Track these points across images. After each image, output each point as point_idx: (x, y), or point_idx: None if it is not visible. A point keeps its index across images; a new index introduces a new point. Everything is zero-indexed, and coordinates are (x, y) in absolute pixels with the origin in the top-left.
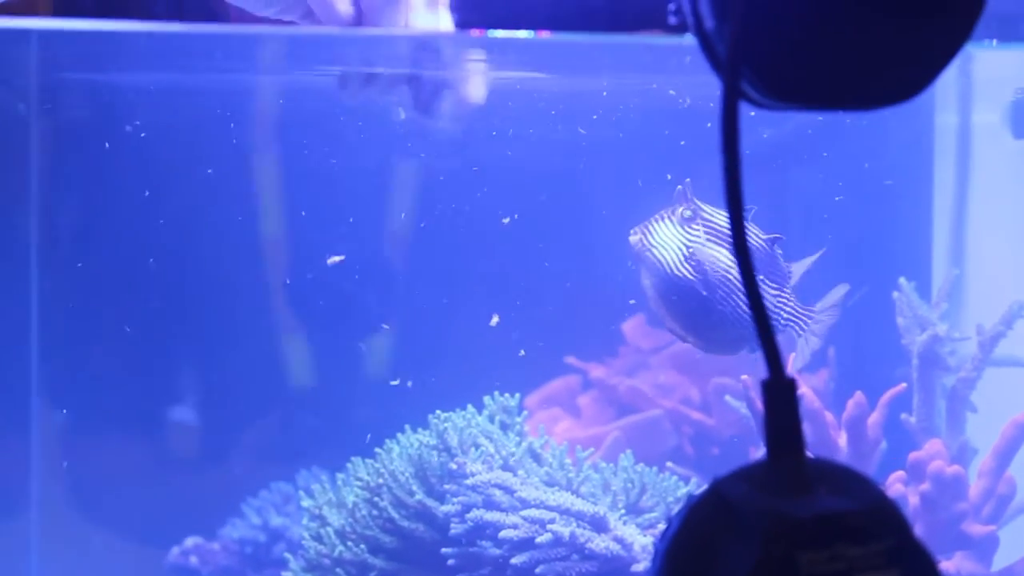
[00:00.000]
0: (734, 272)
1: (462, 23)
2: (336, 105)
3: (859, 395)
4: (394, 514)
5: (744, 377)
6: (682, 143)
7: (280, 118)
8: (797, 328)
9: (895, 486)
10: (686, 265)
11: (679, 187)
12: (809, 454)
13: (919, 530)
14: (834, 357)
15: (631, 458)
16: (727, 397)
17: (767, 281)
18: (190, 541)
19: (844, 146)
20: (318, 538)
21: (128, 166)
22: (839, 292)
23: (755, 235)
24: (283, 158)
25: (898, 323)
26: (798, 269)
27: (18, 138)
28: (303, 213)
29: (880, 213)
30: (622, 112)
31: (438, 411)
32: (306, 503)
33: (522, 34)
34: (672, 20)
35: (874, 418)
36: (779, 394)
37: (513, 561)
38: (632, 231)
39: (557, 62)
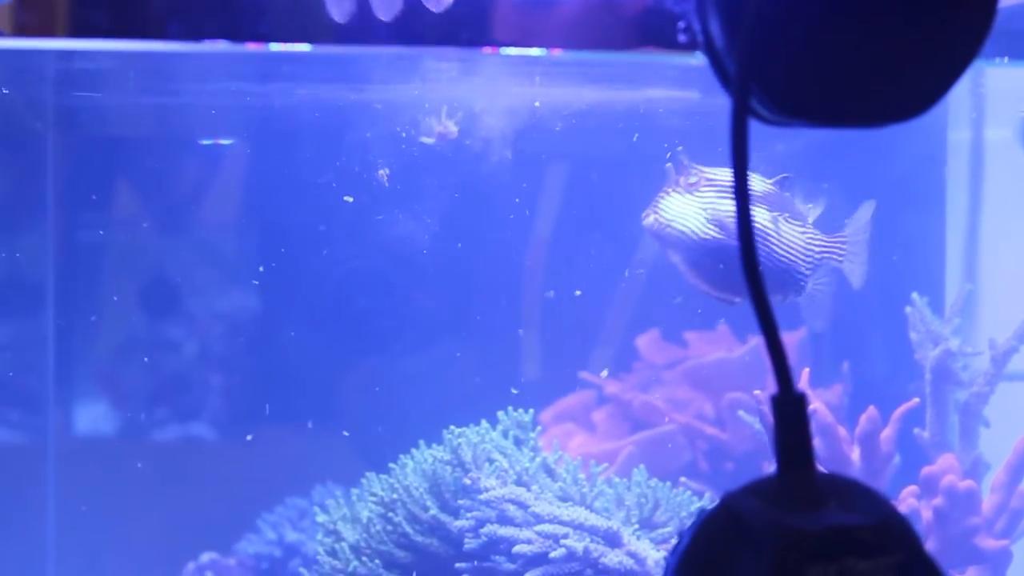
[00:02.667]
0: (757, 219)
1: (477, 41)
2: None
3: (872, 410)
4: (408, 529)
5: (757, 392)
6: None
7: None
8: (835, 256)
9: (908, 500)
10: (710, 226)
11: (668, 164)
12: (821, 468)
13: (932, 544)
14: (848, 372)
15: (645, 473)
16: (741, 412)
17: (791, 219)
18: (206, 556)
19: (857, 163)
20: (333, 553)
21: (140, 180)
22: (866, 212)
23: (763, 181)
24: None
25: (911, 338)
26: (811, 210)
27: (35, 154)
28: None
29: (893, 229)
30: (635, 127)
31: (452, 426)
32: (321, 518)
33: (535, 52)
34: (682, 38)
35: (887, 433)
36: (789, 409)
37: None
38: (644, 214)
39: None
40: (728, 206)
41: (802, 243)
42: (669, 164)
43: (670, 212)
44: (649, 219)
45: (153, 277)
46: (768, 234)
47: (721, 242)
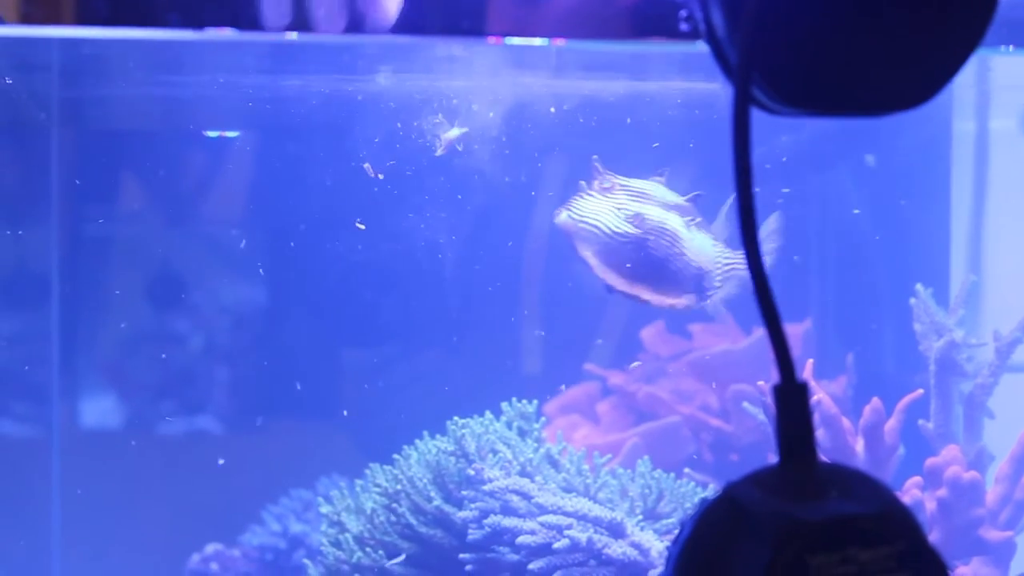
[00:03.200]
0: (667, 223)
1: (478, 30)
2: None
3: (876, 401)
4: (412, 520)
5: (761, 383)
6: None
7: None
8: (740, 268)
9: (912, 491)
10: (623, 223)
11: (582, 182)
12: (823, 459)
13: (936, 535)
14: (852, 363)
15: (649, 464)
16: (745, 403)
17: (703, 229)
18: (211, 547)
19: (861, 153)
20: (337, 544)
21: (145, 173)
22: (772, 223)
23: (676, 198)
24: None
25: (915, 329)
26: (720, 225)
27: (40, 146)
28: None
29: (898, 219)
30: (641, 119)
31: (456, 417)
32: (325, 509)
33: (537, 42)
34: (684, 27)
35: (891, 424)
36: (791, 399)
37: (531, 567)
38: (556, 212)
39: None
40: (640, 207)
41: (711, 252)
42: (583, 182)
43: (583, 211)
44: (562, 216)
45: (158, 270)
46: (681, 238)
47: (634, 238)
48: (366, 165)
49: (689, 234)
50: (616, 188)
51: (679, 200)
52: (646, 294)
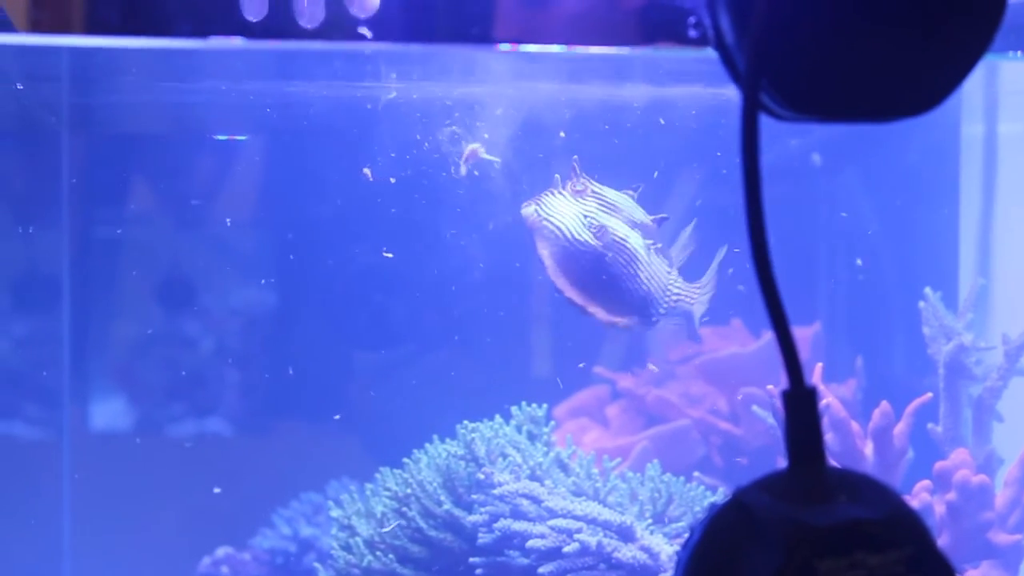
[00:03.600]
0: (630, 241)
1: (486, 38)
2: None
3: (885, 405)
4: (422, 524)
5: (771, 387)
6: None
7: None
8: (686, 301)
9: (921, 495)
10: (585, 232)
11: (557, 175)
12: (832, 463)
13: (945, 539)
14: (861, 367)
15: (658, 468)
16: (755, 407)
17: (660, 254)
18: (221, 551)
19: (870, 157)
20: (347, 548)
21: (155, 176)
22: (716, 259)
23: (643, 216)
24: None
25: (924, 333)
26: (677, 251)
27: (50, 150)
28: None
29: (906, 223)
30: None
31: (466, 421)
32: (335, 513)
33: (549, 48)
34: (692, 34)
35: (900, 428)
36: (800, 404)
37: (541, 571)
38: (524, 204)
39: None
40: (607, 219)
41: (664, 280)
42: (558, 175)
43: (551, 208)
44: (529, 209)
45: (168, 273)
46: (639, 259)
47: (592, 249)
48: (365, 170)
49: (647, 257)
50: (588, 193)
51: (645, 219)
52: (592, 306)
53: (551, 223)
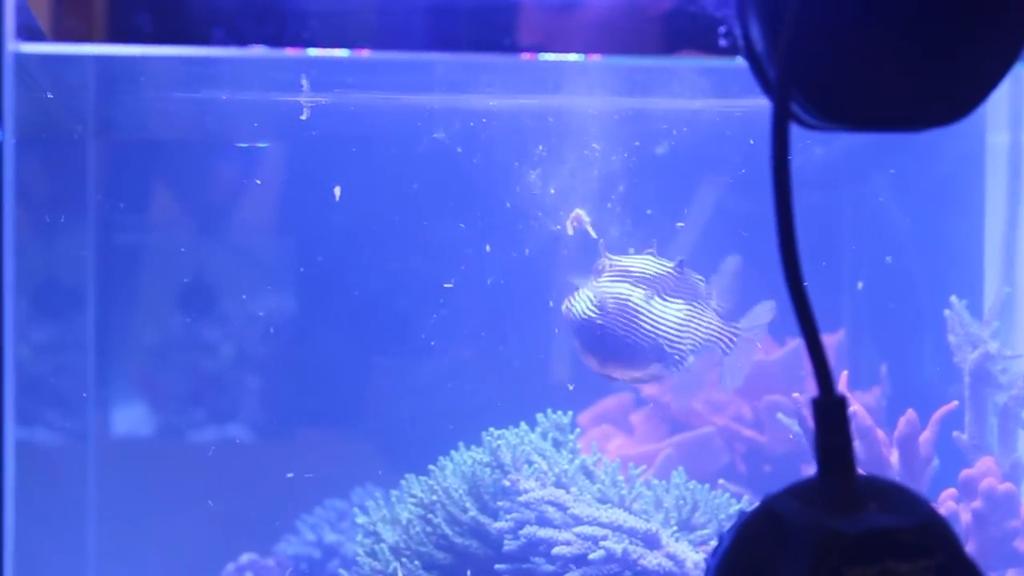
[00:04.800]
0: (629, 300)
1: (511, 46)
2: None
3: (911, 413)
4: (448, 531)
5: (796, 395)
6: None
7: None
8: (723, 345)
9: (947, 503)
10: (591, 309)
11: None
12: (860, 471)
13: (971, 547)
14: (886, 375)
15: (683, 475)
16: (779, 415)
17: (668, 297)
18: (245, 557)
19: (896, 166)
20: (372, 554)
21: (180, 183)
22: (764, 310)
23: (659, 264)
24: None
25: (950, 341)
26: (719, 284)
27: (75, 158)
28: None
29: (932, 232)
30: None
31: (491, 428)
32: (360, 520)
33: (572, 57)
34: (723, 43)
35: (926, 436)
36: (829, 411)
37: None
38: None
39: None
40: (613, 288)
41: (677, 321)
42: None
43: (574, 299)
44: (564, 307)
45: (192, 280)
46: (638, 311)
47: (591, 321)
48: (336, 189)
49: (648, 306)
50: (607, 270)
51: (662, 269)
52: (615, 372)
53: (571, 312)
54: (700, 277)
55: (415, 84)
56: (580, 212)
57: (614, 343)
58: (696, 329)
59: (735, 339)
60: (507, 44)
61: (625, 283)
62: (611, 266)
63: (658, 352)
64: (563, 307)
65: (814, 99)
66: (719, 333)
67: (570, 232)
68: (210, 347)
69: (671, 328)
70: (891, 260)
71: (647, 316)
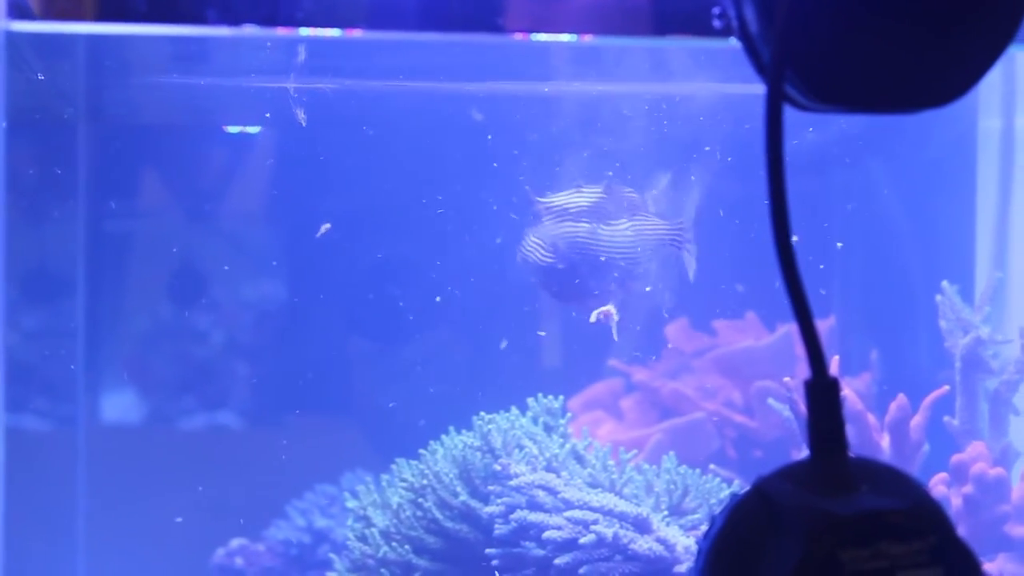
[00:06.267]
0: (580, 234)
1: (501, 27)
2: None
3: (902, 398)
4: (438, 515)
5: (786, 379)
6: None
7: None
8: (674, 240)
9: (938, 488)
10: (546, 254)
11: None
12: (852, 453)
13: (962, 532)
14: (877, 360)
15: (674, 460)
16: (770, 400)
17: (609, 221)
18: (235, 542)
19: (887, 150)
20: (363, 539)
21: (171, 169)
22: (693, 198)
23: (589, 193)
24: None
25: (941, 326)
26: (652, 194)
27: (66, 142)
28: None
29: (923, 217)
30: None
31: (482, 413)
32: (351, 504)
33: (565, 38)
34: (717, 24)
35: (917, 420)
36: (822, 394)
37: (557, 562)
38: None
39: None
40: (561, 230)
41: (627, 237)
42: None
43: (525, 247)
44: (518, 257)
45: (183, 266)
46: (591, 242)
47: (556, 267)
48: (324, 227)
49: (598, 234)
50: (543, 213)
51: (594, 196)
52: (591, 305)
53: (525, 258)
54: (630, 190)
55: (409, 69)
56: (609, 309)
57: (580, 279)
58: (647, 237)
59: (682, 233)
60: (499, 24)
61: (567, 221)
62: (546, 208)
63: (622, 270)
64: (517, 258)
65: (808, 80)
66: (667, 233)
67: (592, 320)
68: (200, 334)
69: (625, 245)
70: (882, 245)
71: (600, 243)
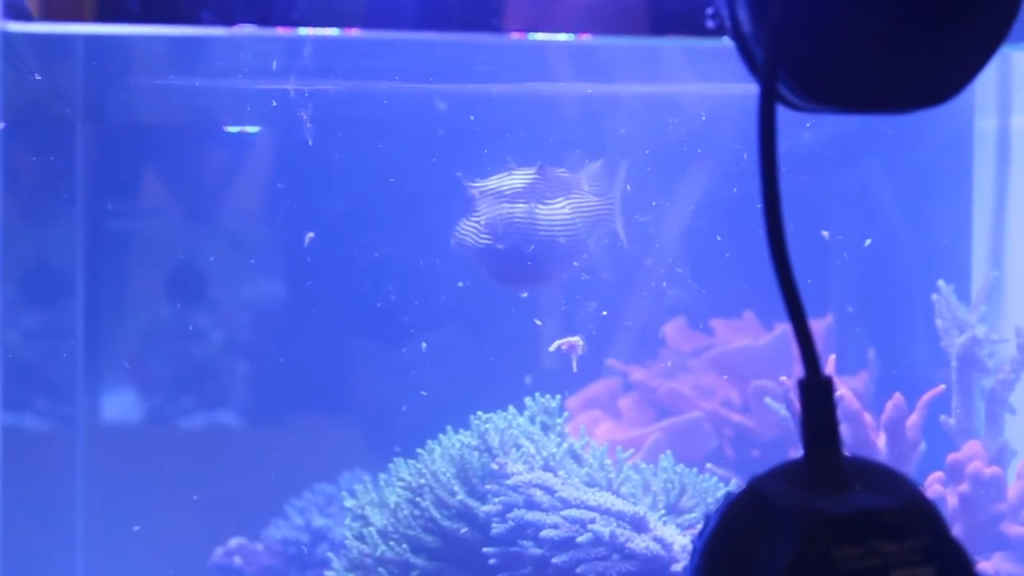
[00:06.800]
0: (516, 216)
1: (497, 27)
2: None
3: (898, 396)
4: (436, 514)
5: (783, 378)
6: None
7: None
8: (606, 214)
9: (934, 487)
10: (484, 236)
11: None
12: (846, 452)
13: (958, 531)
14: (874, 359)
15: (671, 459)
16: (767, 399)
17: (547, 202)
18: (234, 541)
19: (883, 150)
20: (361, 538)
21: (169, 168)
22: (621, 171)
23: (522, 175)
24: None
25: (937, 325)
26: (586, 173)
27: (64, 141)
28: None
29: (919, 216)
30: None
31: (479, 412)
32: (349, 503)
33: (562, 37)
34: (710, 24)
35: (913, 419)
36: (816, 393)
37: (554, 561)
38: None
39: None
40: (499, 212)
41: (565, 215)
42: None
43: (460, 233)
44: (453, 242)
45: (182, 265)
46: (529, 223)
47: (496, 248)
48: (309, 235)
49: (535, 215)
50: (477, 197)
51: (528, 178)
52: (533, 285)
53: (462, 243)
54: (562, 170)
55: (408, 70)
56: (577, 341)
57: (522, 260)
58: (583, 215)
59: (613, 207)
60: (495, 24)
61: (503, 203)
62: (480, 192)
63: (561, 249)
64: (452, 243)
65: (801, 80)
66: (601, 208)
67: (551, 349)
68: (199, 333)
69: (563, 224)
70: (878, 245)
71: (539, 223)
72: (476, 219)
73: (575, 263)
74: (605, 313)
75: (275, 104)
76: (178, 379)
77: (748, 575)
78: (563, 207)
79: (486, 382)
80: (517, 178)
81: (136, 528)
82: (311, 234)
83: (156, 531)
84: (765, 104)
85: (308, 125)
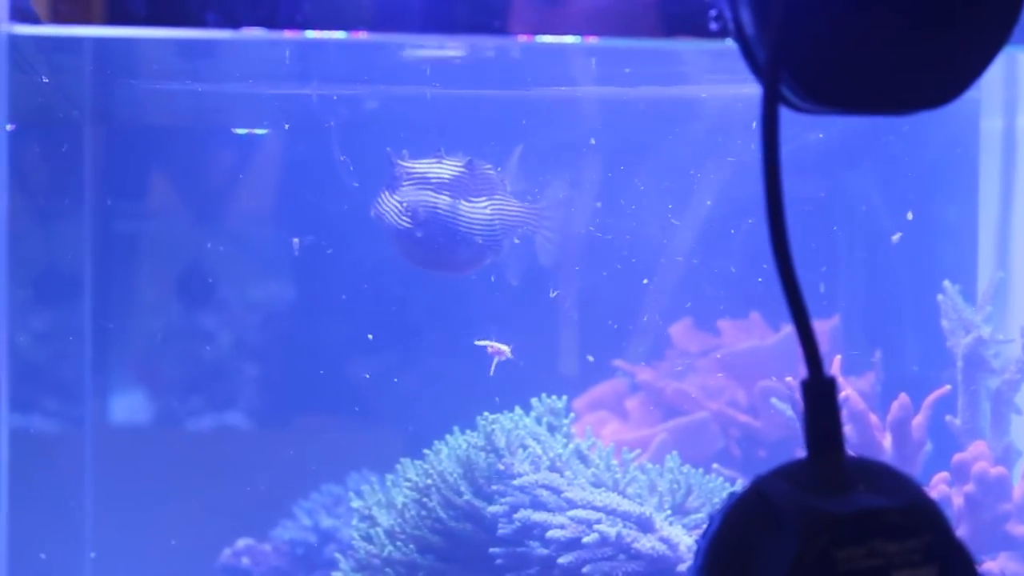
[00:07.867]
0: (440, 207)
1: (505, 29)
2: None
3: (903, 397)
4: (443, 514)
5: (789, 379)
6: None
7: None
8: (530, 223)
9: (939, 487)
10: (404, 218)
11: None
12: (851, 453)
13: (963, 531)
14: (879, 360)
15: (677, 459)
16: (773, 399)
17: (472, 199)
18: (242, 542)
19: (888, 151)
20: (368, 538)
21: (177, 170)
22: (556, 187)
23: (451, 166)
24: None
25: (943, 326)
26: (509, 171)
27: (72, 143)
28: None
29: (925, 217)
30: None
31: (486, 412)
32: (356, 504)
33: (568, 39)
34: (713, 26)
35: (918, 420)
36: (819, 394)
37: (560, 561)
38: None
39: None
40: (422, 198)
41: (486, 215)
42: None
43: (381, 207)
44: (372, 212)
45: (190, 266)
46: (450, 217)
47: (414, 234)
48: (295, 240)
49: (457, 210)
50: (403, 177)
51: (456, 170)
52: (440, 271)
53: (384, 220)
54: (489, 166)
55: (411, 74)
56: (505, 349)
57: (436, 249)
58: (503, 218)
59: (537, 216)
60: (502, 26)
61: (428, 190)
62: (407, 173)
63: (477, 247)
64: (372, 213)
65: (804, 82)
66: (522, 215)
67: (489, 350)
68: (208, 334)
69: (483, 224)
70: (881, 245)
71: (459, 219)
72: (399, 199)
73: (487, 261)
74: (612, 323)
75: (283, 106)
76: (186, 380)
77: (751, 575)
78: (485, 207)
79: (493, 382)
80: (445, 168)
81: (92, 555)
82: (297, 240)
83: (165, 532)
84: (768, 106)
85: (331, 123)
